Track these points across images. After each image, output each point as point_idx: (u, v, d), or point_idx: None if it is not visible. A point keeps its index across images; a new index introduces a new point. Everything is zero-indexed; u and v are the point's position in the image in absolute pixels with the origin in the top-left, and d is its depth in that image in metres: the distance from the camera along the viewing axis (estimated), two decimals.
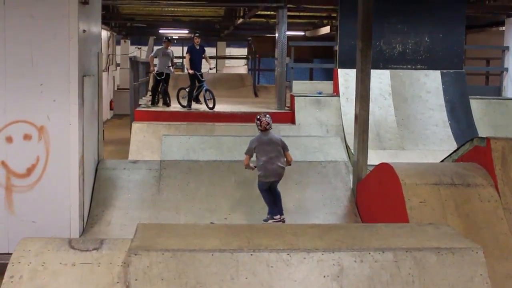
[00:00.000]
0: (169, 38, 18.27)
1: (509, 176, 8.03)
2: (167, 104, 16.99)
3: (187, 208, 9.92)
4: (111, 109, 28.17)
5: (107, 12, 22.84)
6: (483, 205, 7.85)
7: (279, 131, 12.05)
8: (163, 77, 16.85)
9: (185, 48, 17.77)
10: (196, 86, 16.32)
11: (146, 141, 14.67)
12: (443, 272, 5.48)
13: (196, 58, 16.40)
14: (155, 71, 16.94)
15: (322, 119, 15.39)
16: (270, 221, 9.37)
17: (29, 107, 8.72)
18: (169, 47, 17.19)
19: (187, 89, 16.54)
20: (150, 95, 18.21)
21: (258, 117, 9.44)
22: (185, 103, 16.50)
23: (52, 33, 8.64)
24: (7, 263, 5.45)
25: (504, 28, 18.48)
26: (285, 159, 9.38)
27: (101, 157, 10.75)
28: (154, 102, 17.12)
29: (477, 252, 5.65)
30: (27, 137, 8.75)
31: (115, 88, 30.22)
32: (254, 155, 9.39)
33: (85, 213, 9.44)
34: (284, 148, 9.38)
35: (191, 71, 16.28)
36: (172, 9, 25.51)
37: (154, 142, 14.30)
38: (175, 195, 10.10)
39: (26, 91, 8.69)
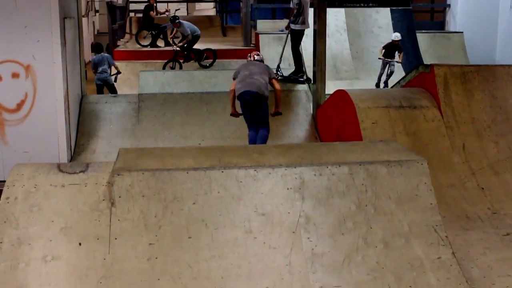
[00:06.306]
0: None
1: (451, 98, 8.12)
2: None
3: (164, 135, 9.91)
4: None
5: None
6: (428, 125, 7.96)
7: None
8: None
9: None
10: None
11: (125, 78, 14.52)
12: (392, 181, 5.56)
13: None
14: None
15: (284, 54, 15.27)
16: None
17: (15, 48, 8.61)
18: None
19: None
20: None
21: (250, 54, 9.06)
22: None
23: None
24: (2, 190, 5.43)
25: None
26: (267, 83, 8.47)
27: (85, 93, 10.62)
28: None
29: (421, 164, 5.72)
30: (15, 75, 8.67)
31: (95, 33, 29.60)
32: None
33: (72, 143, 9.41)
34: (271, 74, 8.65)
35: None
36: None
37: (133, 79, 14.18)
38: (153, 125, 10.09)
39: (12, 33, 8.56)
